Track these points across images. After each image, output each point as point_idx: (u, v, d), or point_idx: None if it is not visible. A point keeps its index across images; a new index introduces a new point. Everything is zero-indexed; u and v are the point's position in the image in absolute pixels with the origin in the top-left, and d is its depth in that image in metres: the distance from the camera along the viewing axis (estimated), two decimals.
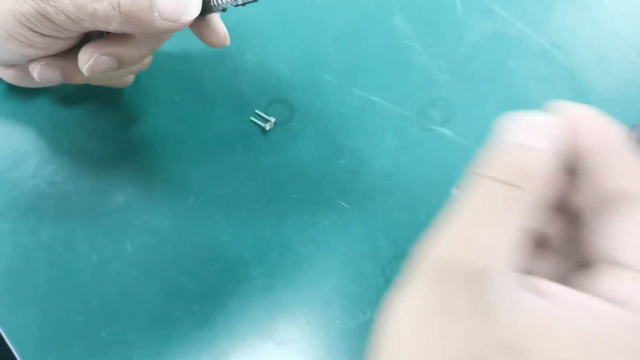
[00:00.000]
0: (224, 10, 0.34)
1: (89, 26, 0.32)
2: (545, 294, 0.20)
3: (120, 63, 0.36)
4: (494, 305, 0.19)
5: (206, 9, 0.34)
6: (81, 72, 0.36)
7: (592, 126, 0.22)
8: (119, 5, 0.31)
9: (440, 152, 0.42)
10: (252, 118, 0.42)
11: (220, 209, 0.40)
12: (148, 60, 0.41)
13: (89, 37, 0.36)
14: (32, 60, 0.36)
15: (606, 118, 0.22)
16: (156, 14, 0.31)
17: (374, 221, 0.40)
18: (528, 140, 0.22)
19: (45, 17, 0.31)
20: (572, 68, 0.44)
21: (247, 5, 0.34)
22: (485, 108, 0.43)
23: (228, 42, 0.36)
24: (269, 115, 0.42)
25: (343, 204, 0.40)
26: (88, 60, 0.35)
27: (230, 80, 0.43)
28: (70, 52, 0.36)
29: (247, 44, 0.44)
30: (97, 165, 0.41)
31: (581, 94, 0.43)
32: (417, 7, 0.46)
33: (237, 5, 0.33)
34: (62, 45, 0.35)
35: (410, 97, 0.43)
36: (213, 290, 0.38)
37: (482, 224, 0.21)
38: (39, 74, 0.36)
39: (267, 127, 0.42)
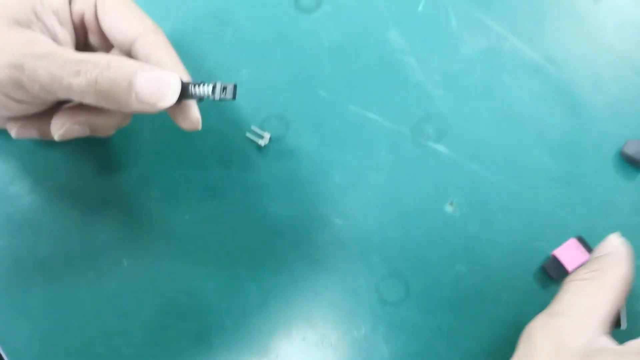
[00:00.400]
0: (200, 100, 0.35)
1: (63, 97, 0.32)
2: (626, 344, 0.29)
3: (93, 131, 0.36)
4: (565, 349, 0.29)
5: (184, 95, 0.34)
6: None
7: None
8: (96, 82, 0.31)
9: (434, 168, 0.42)
10: (247, 134, 0.42)
11: (216, 224, 0.41)
12: (129, 117, 0.40)
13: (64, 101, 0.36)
14: (9, 119, 0.36)
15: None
16: (133, 96, 0.31)
17: (368, 237, 0.40)
18: (599, 254, 0.34)
19: (19, 85, 0.31)
20: (566, 83, 0.44)
21: (227, 95, 0.34)
22: (479, 123, 0.43)
23: (200, 127, 0.36)
24: (264, 131, 0.42)
25: (337, 220, 0.40)
26: (60, 129, 0.35)
27: None
28: (47, 113, 0.36)
29: (242, 60, 0.45)
30: (93, 180, 0.42)
31: (575, 110, 0.43)
32: (412, 22, 0.46)
33: (214, 99, 0.34)
34: (38, 109, 0.35)
35: (404, 113, 0.43)
36: (208, 307, 0.39)
37: (564, 304, 0.31)
38: (17, 134, 0.36)
39: (263, 143, 0.42)
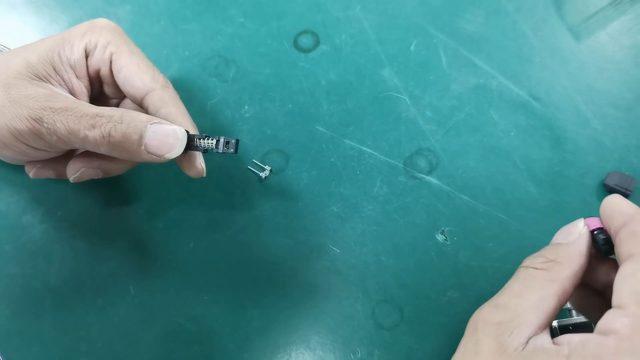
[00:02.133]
0: (205, 151, 0.37)
1: (78, 147, 0.35)
2: (558, 342, 0.27)
3: (105, 174, 0.39)
4: (510, 349, 0.27)
5: (190, 147, 0.37)
6: None
7: (610, 210, 0.30)
8: (109, 135, 0.34)
9: (426, 199, 0.44)
10: (249, 167, 0.45)
11: (219, 253, 0.42)
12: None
13: None
14: (28, 163, 0.39)
15: (627, 201, 0.30)
16: (143, 148, 0.34)
17: (364, 265, 0.42)
18: (558, 240, 0.31)
19: (39, 136, 0.34)
20: (551, 119, 0.47)
21: (229, 149, 0.37)
22: (469, 157, 0.45)
23: (204, 175, 0.39)
24: (265, 164, 0.45)
25: (335, 249, 0.42)
26: (75, 173, 0.38)
27: (229, 131, 0.46)
28: (63, 156, 0.39)
29: (244, 97, 0.47)
30: (102, 211, 0.44)
31: (559, 144, 0.46)
32: (405, 61, 0.49)
33: (217, 152, 0.36)
34: (55, 155, 0.38)
35: (398, 147, 0.46)
36: (212, 332, 0.40)
37: (514, 295, 0.29)
38: (35, 175, 0.39)
39: (264, 175, 0.44)
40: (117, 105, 0.42)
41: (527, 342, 0.27)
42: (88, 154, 0.38)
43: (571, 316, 0.39)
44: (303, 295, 0.41)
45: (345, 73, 0.48)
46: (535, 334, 0.28)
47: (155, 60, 0.48)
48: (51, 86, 0.35)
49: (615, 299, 0.27)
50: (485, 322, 0.29)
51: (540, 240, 0.43)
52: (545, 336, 0.28)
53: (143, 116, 0.35)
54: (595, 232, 0.31)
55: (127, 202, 0.44)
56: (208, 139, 0.36)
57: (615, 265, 0.30)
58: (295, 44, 0.49)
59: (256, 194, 0.44)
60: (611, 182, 0.43)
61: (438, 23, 0.50)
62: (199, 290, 0.41)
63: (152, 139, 0.34)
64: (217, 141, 0.36)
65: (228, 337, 0.40)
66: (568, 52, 0.49)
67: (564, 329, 0.38)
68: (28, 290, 0.42)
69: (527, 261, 0.31)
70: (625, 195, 0.43)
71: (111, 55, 0.38)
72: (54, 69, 0.36)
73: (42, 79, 0.35)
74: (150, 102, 0.38)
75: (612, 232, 0.30)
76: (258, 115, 0.47)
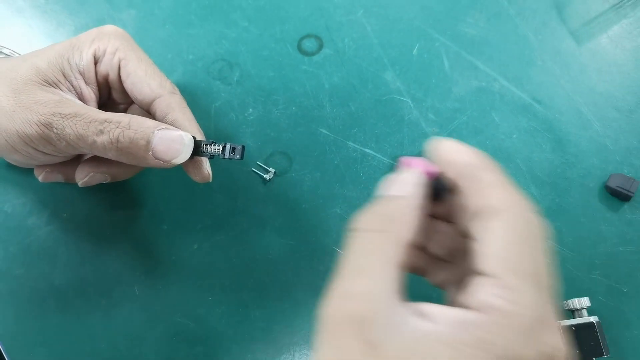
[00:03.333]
0: (211, 157, 0.38)
1: (87, 152, 0.36)
2: (427, 316, 0.23)
3: (113, 179, 0.40)
4: (380, 343, 0.22)
5: (196, 152, 0.37)
6: None
7: (456, 157, 0.27)
8: (117, 140, 0.34)
9: None
10: (253, 169, 0.45)
11: (223, 254, 0.43)
12: None
13: None
14: (37, 167, 0.40)
15: (467, 147, 0.27)
16: (150, 153, 0.35)
17: None
18: (392, 192, 0.27)
19: (48, 141, 0.34)
20: (552, 121, 0.47)
21: (235, 155, 0.37)
22: None
23: (210, 180, 0.39)
24: (269, 167, 0.45)
25: (338, 250, 0.43)
26: (84, 178, 0.39)
27: (233, 134, 0.46)
28: (72, 161, 0.40)
29: (248, 100, 0.48)
30: (107, 213, 0.44)
31: (560, 146, 0.46)
32: (407, 64, 0.49)
33: (224, 158, 0.37)
34: (63, 159, 0.39)
35: (401, 149, 0.46)
36: (216, 333, 0.41)
37: (358, 274, 0.24)
38: (44, 178, 0.40)
39: (268, 177, 0.45)
40: (125, 110, 0.42)
41: (397, 328, 0.23)
42: (96, 159, 0.39)
43: (574, 317, 0.39)
44: (306, 297, 0.41)
45: (349, 76, 0.49)
46: (398, 313, 0.23)
47: (160, 64, 0.48)
48: (60, 92, 0.36)
49: (482, 267, 0.24)
50: (337, 320, 0.23)
51: None
52: (411, 311, 0.23)
53: (150, 122, 0.35)
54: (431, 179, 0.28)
55: (132, 204, 0.44)
56: (214, 145, 0.37)
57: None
58: (299, 48, 0.50)
59: (260, 196, 0.44)
60: (613, 184, 0.44)
61: (440, 27, 0.51)
62: (202, 291, 0.42)
63: (159, 144, 0.35)
64: (224, 147, 0.36)
65: (231, 337, 0.40)
66: (569, 55, 0.49)
67: (568, 330, 0.38)
68: (33, 291, 0.42)
69: (361, 222, 0.26)
70: (628, 198, 0.43)
71: (119, 61, 0.38)
72: (64, 75, 0.37)
73: (52, 84, 0.36)
74: (158, 107, 0.38)
75: (453, 180, 0.27)
76: (262, 118, 0.47)
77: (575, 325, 0.38)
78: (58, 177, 0.40)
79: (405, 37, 0.50)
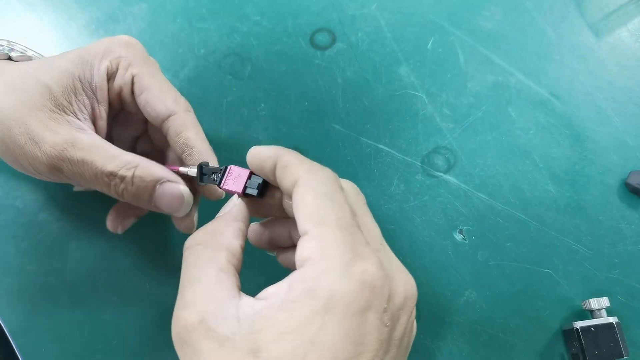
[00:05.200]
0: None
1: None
2: (262, 298, 0.27)
3: (138, 218, 0.40)
4: (226, 335, 0.26)
5: (202, 180, 0.36)
6: None
7: (258, 156, 0.31)
8: (122, 195, 0.35)
9: (444, 198, 0.44)
10: None
11: None
12: None
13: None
14: (110, 222, 0.40)
15: (265, 146, 0.31)
16: (153, 204, 0.36)
17: None
18: (219, 214, 0.32)
19: (59, 178, 0.35)
20: (570, 117, 0.46)
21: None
22: (487, 155, 0.45)
23: (222, 197, 0.39)
24: None
25: None
26: (117, 229, 0.39)
27: (246, 129, 0.46)
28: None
29: (261, 95, 0.47)
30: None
31: (579, 142, 0.45)
32: (422, 59, 0.48)
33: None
34: None
35: (415, 145, 0.45)
36: None
37: (192, 284, 0.28)
38: (122, 230, 0.40)
39: None
40: (144, 123, 0.41)
41: (237, 318, 0.26)
42: (120, 209, 0.40)
43: (593, 317, 0.39)
44: None
45: (362, 71, 0.48)
46: (234, 305, 0.27)
47: (171, 59, 0.48)
48: (72, 118, 0.35)
49: (300, 229, 0.27)
50: (188, 329, 0.26)
51: (559, 239, 0.42)
52: (248, 301, 0.27)
53: (154, 172, 0.35)
54: (246, 187, 0.32)
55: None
56: (217, 174, 0.35)
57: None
58: (312, 42, 0.49)
59: None
60: (634, 181, 0.42)
61: (455, 20, 0.50)
62: None
63: (160, 200, 0.35)
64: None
65: None
66: (588, 49, 0.48)
67: (587, 331, 0.37)
68: (44, 287, 0.42)
69: (189, 241, 0.30)
70: None
71: (132, 77, 0.37)
72: (75, 94, 0.36)
73: (63, 109, 0.35)
74: (171, 125, 0.37)
75: (270, 177, 0.31)
76: (274, 113, 0.46)
77: (594, 326, 0.37)
78: (132, 220, 0.40)
79: (419, 31, 0.49)
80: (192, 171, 0.36)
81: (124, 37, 0.38)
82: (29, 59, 0.42)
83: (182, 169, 0.36)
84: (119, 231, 0.40)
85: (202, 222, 0.34)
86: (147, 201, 0.35)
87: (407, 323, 0.29)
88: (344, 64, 0.48)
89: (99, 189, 0.35)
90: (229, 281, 0.28)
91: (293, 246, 0.34)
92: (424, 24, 0.50)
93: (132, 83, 0.37)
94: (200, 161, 0.36)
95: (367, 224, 0.31)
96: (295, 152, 0.31)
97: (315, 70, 0.48)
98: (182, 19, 0.50)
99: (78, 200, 0.44)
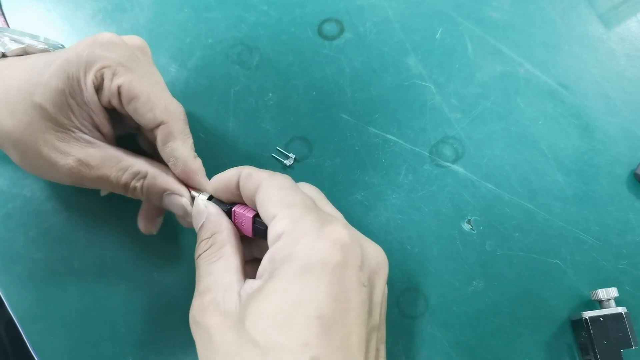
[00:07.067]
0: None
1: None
2: (259, 277, 0.30)
3: (163, 214, 0.42)
4: (230, 310, 0.29)
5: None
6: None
7: (222, 183, 0.36)
8: (140, 197, 0.38)
9: (452, 188, 0.43)
10: (273, 154, 0.44)
11: None
12: None
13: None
14: (140, 222, 0.41)
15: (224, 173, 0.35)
16: (163, 205, 0.38)
17: (389, 254, 0.41)
18: (200, 221, 0.35)
19: (80, 184, 0.37)
20: (579, 107, 0.46)
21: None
22: (495, 145, 0.45)
23: (153, 233, 0.42)
24: (289, 152, 0.44)
25: None
26: (151, 230, 0.41)
27: (253, 119, 0.46)
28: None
29: (268, 84, 0.47)
30: (127, 198, 0.44)
31: (587, 132, 0.45)
32: (430, 49, 0.48)
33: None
34: None
35: (423, 135, 0.45)
36: None
37: (205, 278, 0.32)
38: (149, 231, 0.41)
39: (288, 163, 0.44)
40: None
41: (238, 295, 0.30)
42: (146, 212, 0.41)
43: (602, 307, 0.39)
44: None
45: (370, 61, 0.48)
46: (237, 289, 0.30)
47: (178, 48, 0.48)
48: (78, 134, 0.36)
49: (269, 216, 0.31)
50: (201, 310, 0.30)
51: (567, 229, 0.42)
52: (250, 282, 0.30)
53: (160, 183, 0.37)
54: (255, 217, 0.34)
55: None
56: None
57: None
58: (319, 32, 0.49)
59: None
60: None
61: (463, 10, 0.49)
62: None
63: (167, 206, 0.38)
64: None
65: None
66: (597, 39, 0.48)
67: (596, 321, 0.37)
68: (52, 275, 0.42)
69: (196, 253, 0.34)
70: None
71: (118, 87, 0.35)
72: (72, 112, 0.35)
73: (65, 127, 0.35)
74: (159, 134, 0.37)
75: (235, 192, 0.35)
76: (281, 102, 0.46)
77: (603, 316, 0.37)
78: (161, 219, 0.42)
79: (427, 21, 0.49)
80: (202, 198, 0.37)
81: (106, 36, 0.36)
82: (24, 52, 0.40)
83: (193, 193, 0.38)
84: (153, 232, 0.41)
85: None
86: (158, 202, 0.38)
87: (384, 290, 0.32)
88: (351, 54, 0.48)
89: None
90: (235, 269, 0.32)
91: (253, 260, 0.37)
92: (432, 13, 0.49)
93: (119, 94, 0.36)
94: (186, 172, 0.37)
95: (331, 211, 0.34)
96: (247, 170, 0.34)
97: (323, 60, 0.48)
98: (189, 8, 0.50)
99: (85, 189, 0.44)
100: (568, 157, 0.44)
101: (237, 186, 0.34)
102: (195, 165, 0.38)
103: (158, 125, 0.36)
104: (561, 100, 0.46)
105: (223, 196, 0.36)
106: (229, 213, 0.35)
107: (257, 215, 0.34)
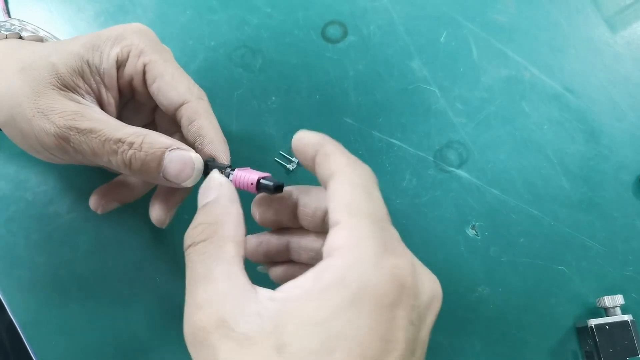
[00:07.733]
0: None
1: (105, 166, 0.36)
2: (280, 290, 0.25)
3: (121, 203, 0.40)
4: (248, 333, 0.24)
5: (207, 171, 0.35)
6: None
7: (302, 141, 0.31)
8: (130, 162, 0.33)
9: (456, 193, 0.43)
10: (276, 158, 0.44)
11: None
12: None
13: None
14: (92, 201, 0.39)
15: (310, 132, 0.31)
16: (161, 174, 0.34)
17: None
18: (207, 199, 0.30)
19: (65, 152, 0.34)
20: (585, 111, 0.45)
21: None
22: (500, 150, 0.44)
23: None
24: (292, 156, 0.44)
25: None
26: (98, 209, 0.39)
27: (256, 122, 0.45)
28: (119, 185, 0.40)
29: (271, 87, 0.47)
30: (129, 204, 0.43)
31: (593, 137, 0.44)
32: (434, 52, 0.48)
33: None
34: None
35: (427, 140, 0.45)
36: None
37: (201, 283, 0.26)
38: (102, 211, 0.39)
39: (291, 167, 0.44)
40: (152, 112, 0.41)
41: (258, 314, 0.24)
42: (104, 190, 0.39)
43: (607, 315, 0.38)
44: None
45: (374, 64, 0.47)
46: (251, 300, 0.25)
47: (180, 51, 0.48)
48: (79, 97, 0.35)
49: (332, 219, 0.27)
50: (205, 331, 0.25)
51: (573, 236, 0.42)
52: (265, 294, 0.25)
53: (163, 140, 0.34)
54: (261, 180, 0.32)
55: (153, 193, 0.44)
56: (226, 170, 0.34)
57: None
58: (323, 35, 0.48)
59: None
60: None
61: (468, 13, 0.49)
62: None
63: (170, 167, 0.34)
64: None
65: None
66: (603, 43, 0.48)
67: (601, 329, 0.37)
68: (54, 279, 0.42)
69: (189, 238, 0.28)
70: None
71: (144, 65, 0.36)
72: (82, 78, 0.35)
73: (70, 89, 0.35)
74: (185, 114, 0.37)
75: (309, 163, 0.30)
76: (285, 106, 0.46)
77: (609, 324, 0.37)
78: (114, 204, 0.39)
79: (432, 24, 0.49)
80: (199, 161, 0.34)
81: (137, 25, 0.37)
82: (40, 39, 0.41)
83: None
84: (99, 211, 0.39)
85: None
86: (155, 170, 0.34)
87: (432, 325, 0.28)
88: (355, 57, 0.48)
89: (105, 161, 0.34)
90: (241, 275, 0.26)
91: (288, 261, 0.34)
92: (437, 16, 0.49)
93: (144, 72, 0.37)
94: (212, 150, 0.36)
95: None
96: (338, 143, 0.30)
97: (326, 63, 0.47)
98: (192, 10, 0.50)
99: (88, 193, 0.44)
100: (574, 162, 0.44)
101: (313, 159, 0.30)
102: (223, 145, 0.37)
103: (181, 105, 0.36)
104: (567, 104, 0.46)
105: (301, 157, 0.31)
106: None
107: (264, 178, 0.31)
